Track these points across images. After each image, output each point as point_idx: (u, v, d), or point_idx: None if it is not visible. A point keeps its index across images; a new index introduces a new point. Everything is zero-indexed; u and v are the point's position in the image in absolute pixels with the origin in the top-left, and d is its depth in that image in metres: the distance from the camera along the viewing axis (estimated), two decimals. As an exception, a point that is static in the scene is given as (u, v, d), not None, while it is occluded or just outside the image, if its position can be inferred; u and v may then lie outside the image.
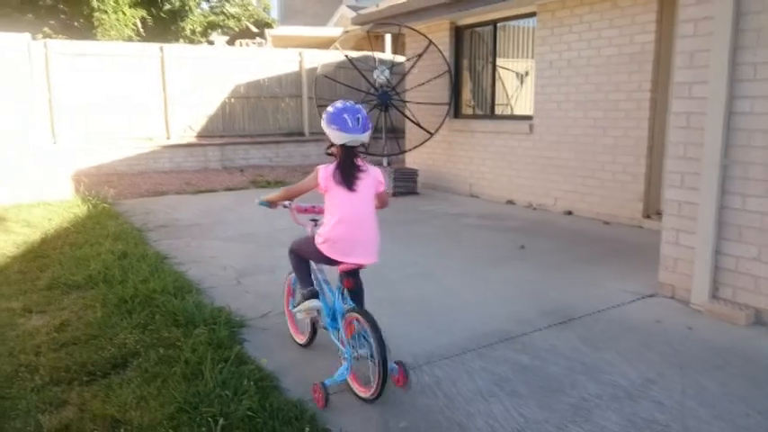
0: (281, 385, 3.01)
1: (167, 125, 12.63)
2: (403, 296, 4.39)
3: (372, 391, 2.82)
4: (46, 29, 16.68)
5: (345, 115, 2.89)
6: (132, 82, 12.18)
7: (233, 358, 3.18)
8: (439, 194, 9.19)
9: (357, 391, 2.93)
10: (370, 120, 3.06)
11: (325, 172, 2.92)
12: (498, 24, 8.50)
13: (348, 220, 2.93)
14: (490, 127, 8.59)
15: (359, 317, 2.92)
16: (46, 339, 3.55)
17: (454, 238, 6.35)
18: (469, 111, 9.41)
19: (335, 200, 2.93)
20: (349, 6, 22.82)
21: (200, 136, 12.97)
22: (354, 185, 2.91)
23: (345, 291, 3.11)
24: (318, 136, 13.69)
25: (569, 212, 7.39)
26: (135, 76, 12.22)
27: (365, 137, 2.93)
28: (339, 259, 2.98)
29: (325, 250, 2.98)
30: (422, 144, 9.40)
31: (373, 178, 3.00)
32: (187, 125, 12.88)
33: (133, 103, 12.22)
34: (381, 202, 3.12)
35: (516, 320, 3.86)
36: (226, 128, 13.37)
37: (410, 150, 9.93)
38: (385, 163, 9.43)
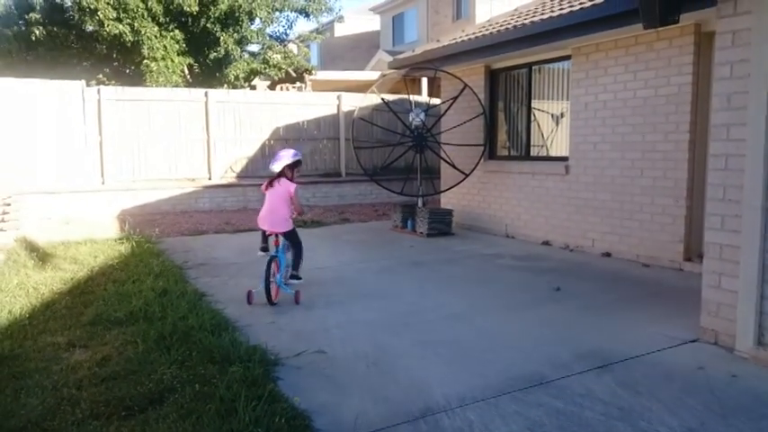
0: (314, 425, 3.02)
1: (209, 166, 13.07)
2: (437, 337, 4.37)
3: (272, 300, 5.21)
4: (100, 75, 17.60)
5: (274, 157, 5.53)
6: (177, 125, 12.73)
7: (266, 396, 3.21)
8: (474, 235, 9.17)
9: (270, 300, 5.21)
10: (289, 158, 5.44)
11: (264, 183, 5.46)
12: (533, 67, 8.60)
13: (266, 208, 5.41)
14: (525, 168, 8.60)
15: (274, 260, 5.26)
16: (87, 374, 3.65)
17: (489, 279, 6.31)
18: (504, 152, 9.45)
19: (266, 197, 5.41)
20: (386, 51, 23.47)
21: (240, 176, 13.35)
22: (271, 190, 5.38)
23: (275, 246, 5.43)
24: (354, 177, 13.93)
25: (607, 254, 7.27)
26: (180, 120, 12.77)
27: (274, 167, 5.43)
28: (261, 227, 5.51)
29: (258, 223, 5.52)
30: (457, 185, 9.45)
31: (284, 188, 5.37)
32: (228, 166, 13.30)
33: (178, 145, 12.74)
34: (294, 206, 5.45)
35: (552, 364, 3.80)
36: (265, 169, 13.68)
37: (445, 191, 9.99)
38: (420, 203, 9.50)
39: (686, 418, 3.05)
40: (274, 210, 5.36)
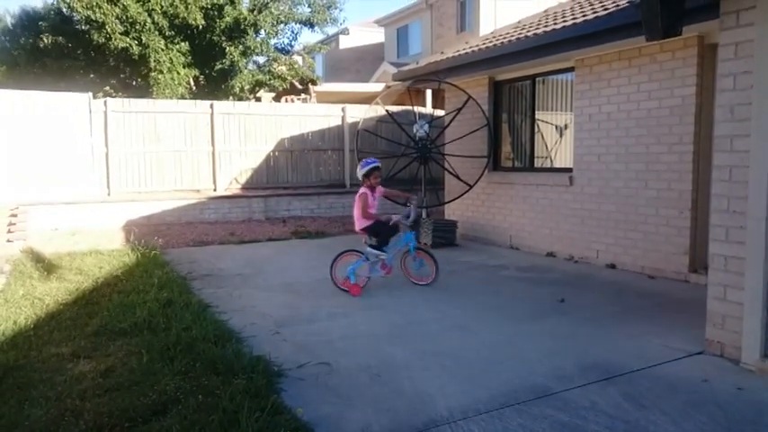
0: (316, 436, 3.01)
1: (214, 177, 13.12)
2: (440, 348, 4.36)
3: (338, 285, 6.16)
4: (107, 87, 17.78)
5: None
6: (183, 137, 12.83)
7: (269, 408, 3.21)
8: (478, 246, 9.16)
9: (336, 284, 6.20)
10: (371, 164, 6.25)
11: None
12: (537, 79, 8.63)
13: None
14: (530, 179, 8.60)
15: (346, 254, 6.31)
16: (91, 385, 3.66)
17: (493, 291, 6.29)
18: (509, 163, 9.46)
19: None
20: (390, 63, 23.60)
21: (245, 188, 13.40)
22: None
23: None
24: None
25: (612, 266, 7.24)
26: (186, 131, 12.87)
27: (358, 174, 6.34)
28: None
29: None
30: (461, 196, 9.45)
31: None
32: (233, 177, 13.36)
33: (183, 157, 12.83)
34: (357, 209, 6.23)
35: (556, 376, 3.78)
36: (270, 180, 13.79)
37: (449, 202, 9.99)
38: (424, 214, 9.49)
39: (691, 430, 3.03)
40: (354, 214, 6.35)
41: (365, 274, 6.19)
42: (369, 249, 6.22)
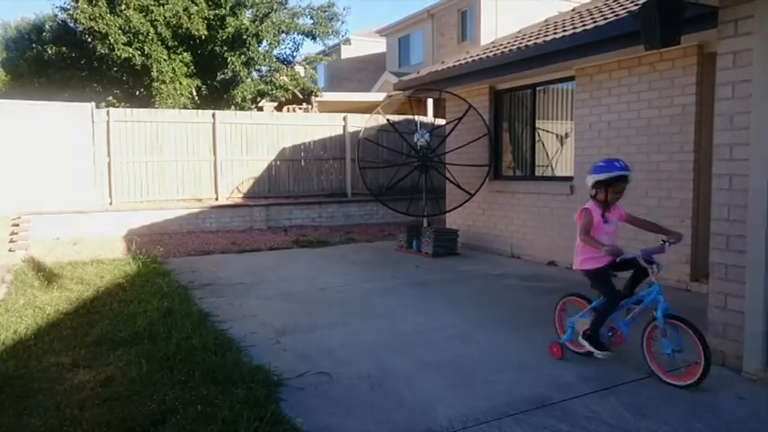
0: (315, 446, 3.00)
1: (216, 187, 13.16)
2: (441, 357, 4.35)
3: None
4: (110, 97, 17.87)
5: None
6: (185, 146, 12.89)
7: (268, 417, 3.20)
8: (479, 255, 9.14)
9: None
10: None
11: None
12: (537, 88, 8.65)
13: None
14: (531, 188, 8.60)
15: (566, 298, 4.50)
16: (90, 394, 3.65)
17: (494, 300, 6.27)
18: (510, 172, 9.46)
19: None
20: (392, 72, 23.70)
21: (246, 197, 13.43)
22: None
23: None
24: (360, 197, 13.97)
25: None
26: (188, 141, 12.93)
27: (589, 180, 4.02)
28: None
29: None
30: (462, 205, 9.46)
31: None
32: (235, 186, 13.39)
33: (185, 166, 12.87)
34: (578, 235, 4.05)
35: (557, 385, 3.76)
36: (271, 189, 13.82)
37: (450, 211, 9.99)
38: (425, 223, 9.50)
39: (693, 441, 3.01)
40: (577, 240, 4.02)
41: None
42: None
